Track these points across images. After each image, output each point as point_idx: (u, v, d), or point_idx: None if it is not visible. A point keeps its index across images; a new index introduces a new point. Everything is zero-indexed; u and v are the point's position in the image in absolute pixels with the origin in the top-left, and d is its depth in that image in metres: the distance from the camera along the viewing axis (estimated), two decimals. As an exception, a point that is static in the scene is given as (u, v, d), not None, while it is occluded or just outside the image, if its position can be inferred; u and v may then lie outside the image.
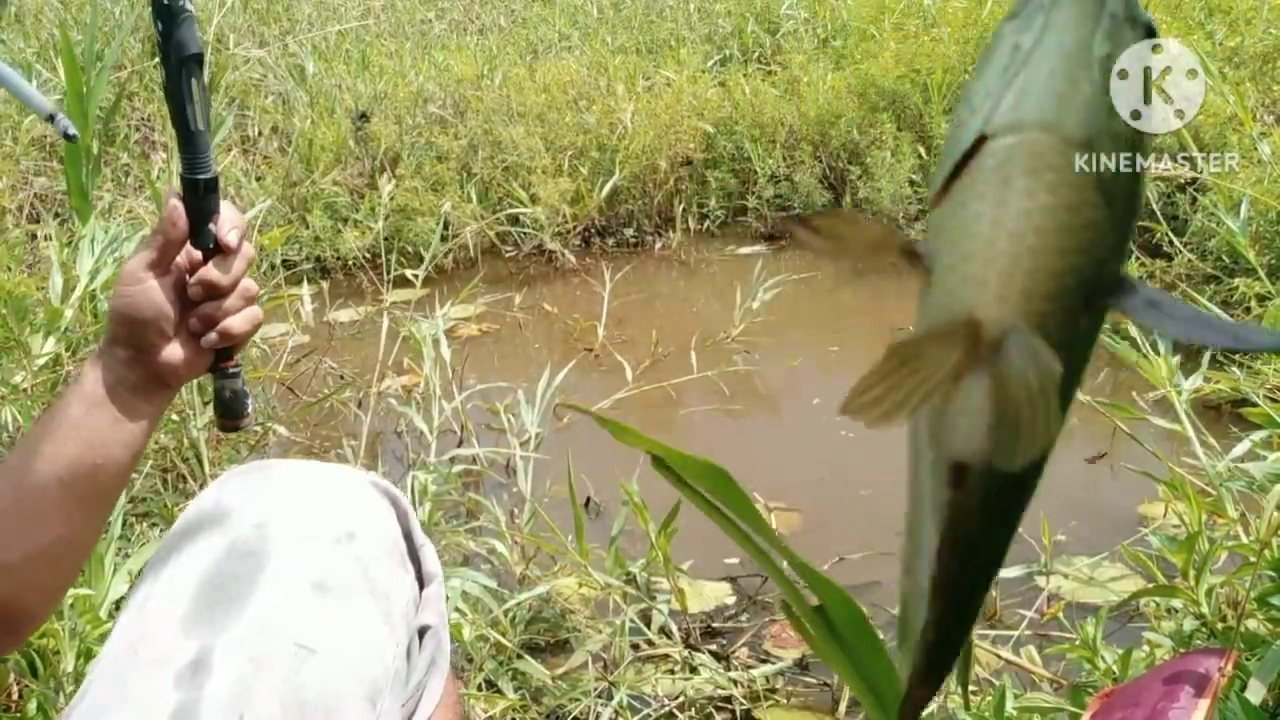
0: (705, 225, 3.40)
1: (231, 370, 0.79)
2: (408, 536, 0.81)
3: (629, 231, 3.37)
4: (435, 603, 0.80)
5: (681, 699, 1.42)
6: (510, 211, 3.27)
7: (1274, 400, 1.36)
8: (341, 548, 0.72)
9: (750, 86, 3.59)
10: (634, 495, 1.48)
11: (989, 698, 1.16)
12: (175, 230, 0.75)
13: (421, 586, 0.80)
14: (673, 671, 1.47)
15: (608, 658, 1.49)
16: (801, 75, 3.59)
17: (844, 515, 1.90)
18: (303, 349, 2.59)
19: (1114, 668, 1.03)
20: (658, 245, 3.34)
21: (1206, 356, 1.25)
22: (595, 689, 1.41)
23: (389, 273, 2.58)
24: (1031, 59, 0.35)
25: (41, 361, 1.67)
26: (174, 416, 1.77)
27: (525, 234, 3.25)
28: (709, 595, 1.69)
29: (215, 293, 0.75)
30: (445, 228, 3.15)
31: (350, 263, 3.11)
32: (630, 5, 4.63)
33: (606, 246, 3.35)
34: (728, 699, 1.43)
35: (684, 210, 3.37)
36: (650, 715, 1.40)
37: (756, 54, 4.09)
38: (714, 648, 1.56)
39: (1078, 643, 1.06)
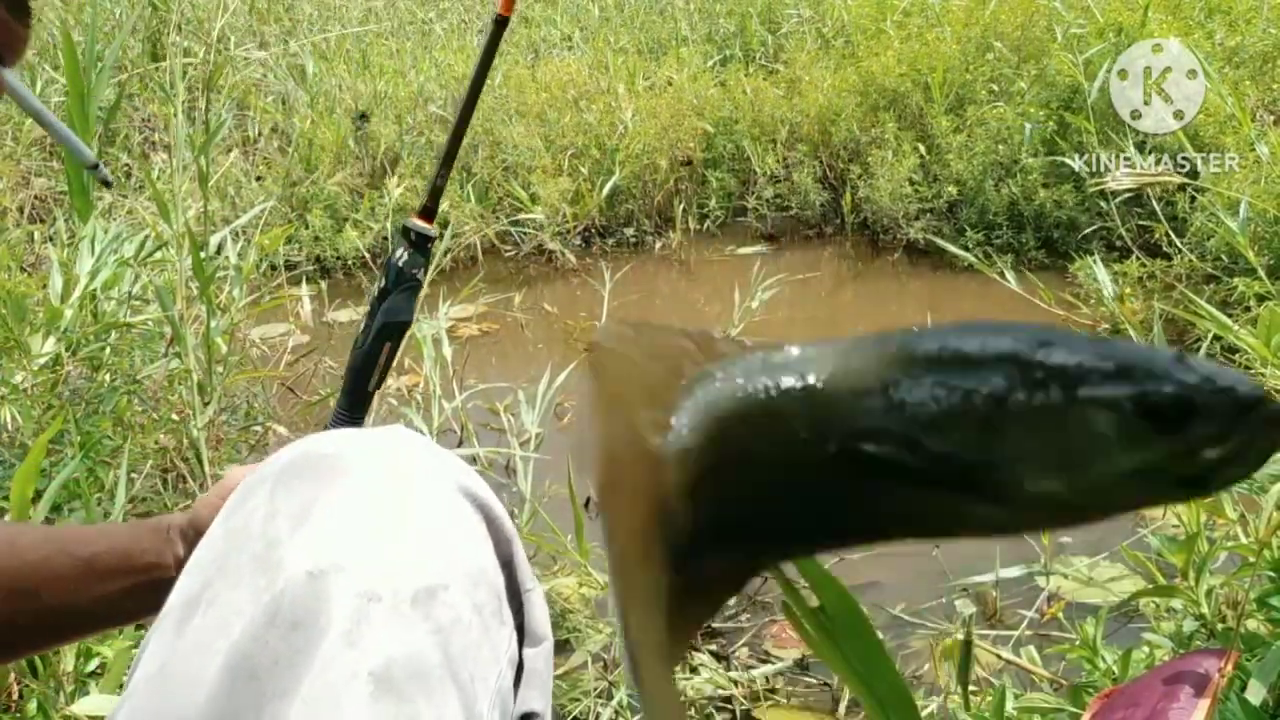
0: (705, 225, 3.40)
1: None
2: (507, 566, 0.62)
3: (629, 231, 3.37)
4: (542, 677, 0.63)
5: (681, 699, 1.42)
6: (515, 217, 3.27)
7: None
8: (418, 614, 0.54)
9: (751, 86, 3.59)
10: (634, 495, 1.48)
11: (989, 698, 1.16)
12: None
13: (521, 640, 0.63)
14: (673, 671, 1.47)
15: (608, 658, 1.49)
16: (803, 75, 3.59)
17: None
18: (302, 349, 2.59)
19: (1114, 668, 1.03)
20: (658, 245, 3.34)
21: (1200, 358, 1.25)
22: (595, 689, 1.41)
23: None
24: None
25: (41, 361, 1.67)
26: (174, 416, 1.77)
27: (525, 234, 3.25)
28: (709, 595, 1.69)
29: None
30: (445, 227, 3.15)
31: (350, 262, 3.11)
32: (632, 5, 4.64)
33: (606, 246, 3.35)
34: (728, 699, 1.43)
35: (684, 210, 3.37)
36: (650, 715, 1.40)
37: (760, 54, 4.09)
38: (714, 648, 1.56)
39: (1078, 643, 1.06)
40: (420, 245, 0.74)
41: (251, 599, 0.53)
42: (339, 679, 0.51)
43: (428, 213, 0.76)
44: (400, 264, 0.73)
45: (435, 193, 0.77)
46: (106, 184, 0.53)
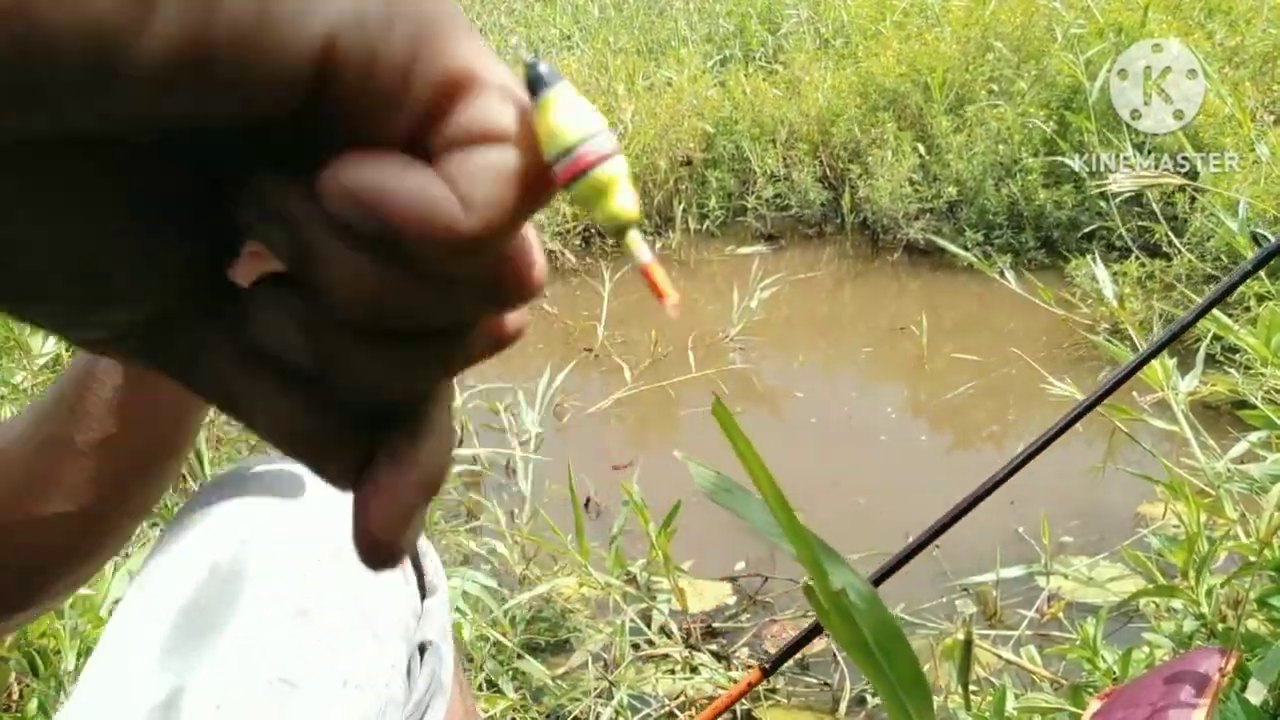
0: (705, 225, 3.40)
1: None
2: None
3: (629, 231, 3.37)
4: (437, 616, 0.77)
5: (682, 699, 1.42)
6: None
7: (1272, 402, 1.36)
8: (328, 567, 0.68)
9: (750, 86, 3.59)
10: (634, 495, 1.48)
11: (989, 698, 1.16)
12: None
13: (424, 597, 0.77)
14: (673, 671, 1.47)
15: (608, 657, 1.49)
16: (803, 75, 3.59)
17: (844, 514, 1.90)
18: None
19: (1114, 668, 1.03)
20: (658, 245, 3.34)
21: (1200, 357, 1.25)
22: (595, 689, 1.41)
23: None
24: None
25: (41, 361, 1.67)
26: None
27: (525, 234, 3.25)
28: (709, 595, 1.69)
29: None
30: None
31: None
32: (632, 5, 4.64)
33: (607, 246, 3.35)
34: (728, 699, 1.43)
35: (684, 210, 3.37)
36: (650, 715, 1.40)
37: (759, 53, 4.09)
38: (714, 648, 1.56)
39: (1078, 643, 1.06)
40: None
41: (199, 562, 0.67)
42: (267, 611, 0.65)
43: None
44: None
45: None
46: None
